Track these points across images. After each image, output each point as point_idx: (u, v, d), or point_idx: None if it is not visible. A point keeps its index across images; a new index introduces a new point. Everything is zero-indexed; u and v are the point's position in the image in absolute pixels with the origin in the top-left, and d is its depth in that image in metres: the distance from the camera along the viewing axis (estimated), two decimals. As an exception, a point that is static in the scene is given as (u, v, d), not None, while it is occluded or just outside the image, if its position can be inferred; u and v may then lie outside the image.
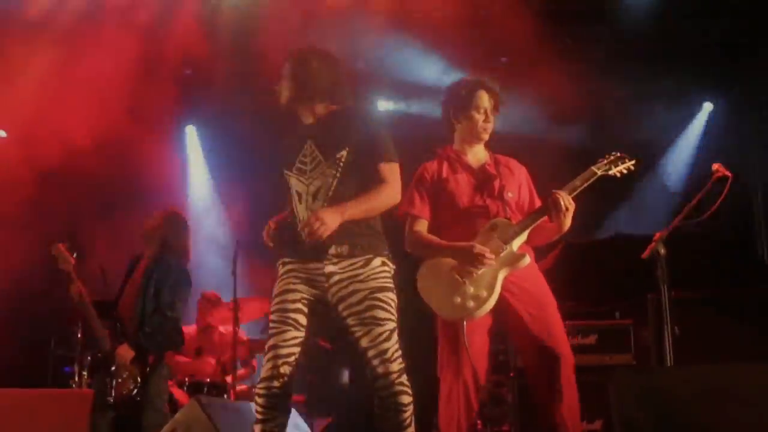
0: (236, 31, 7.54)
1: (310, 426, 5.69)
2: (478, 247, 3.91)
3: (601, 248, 6.50)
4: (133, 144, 7.55)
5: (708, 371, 3.56)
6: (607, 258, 6.46)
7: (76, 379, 6.25)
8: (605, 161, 4.18)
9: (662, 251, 4.06)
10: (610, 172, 4.16)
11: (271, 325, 3.55)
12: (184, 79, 8.11)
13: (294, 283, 3.58)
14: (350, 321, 3.54)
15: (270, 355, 3.48)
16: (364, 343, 3.50)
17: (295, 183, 3.67)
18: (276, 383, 3.45)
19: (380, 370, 3.47)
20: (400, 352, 3.52)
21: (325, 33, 6.87)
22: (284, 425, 3.52)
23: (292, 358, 3.49)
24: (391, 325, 3.53)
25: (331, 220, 3.44)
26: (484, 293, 3.90)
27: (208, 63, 7.82)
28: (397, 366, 3.48)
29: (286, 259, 3.66)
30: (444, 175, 4.19)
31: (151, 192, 7.71)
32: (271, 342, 3.51)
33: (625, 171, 4.19)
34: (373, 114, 3.76)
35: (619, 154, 4.21)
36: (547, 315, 4.02)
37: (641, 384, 3.45)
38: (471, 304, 3.89)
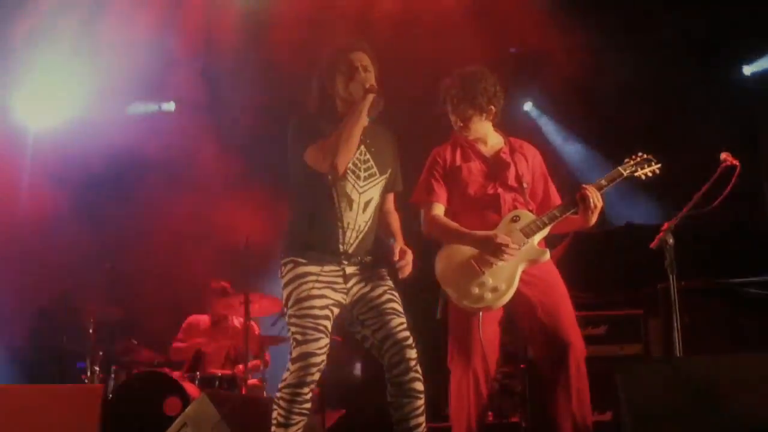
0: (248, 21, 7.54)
1: (321, 418, 5.70)
2: (501, 237, 3.87)
3: (612, 238, 6.48)
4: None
5: (717, 361, 3.55)
6: (617, 248, 6.44)
7: (88, 374, 6.29)
8: (631, 162, 4.16)
9: (671, 241, 4.04)
10: (636, 174, 4.15)
11: (299, 330, 3.48)
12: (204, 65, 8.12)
13: (319, 288, 3.54)
14: (370, 314, 3.58)
15: (302, 363, 3.43)
16: (383, 332, 3.54)
17: (348, 186, 3.60)
18: (305, 390, 3.44)
19: (399, 357, 3.51)
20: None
21: (333, 27, 6.86)
22: (302, 426, 3.52)
23: (322, 366, 3.49)
24: (405, 318, 3.59)
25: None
26: (503, 286, 3.88)
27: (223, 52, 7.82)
28: (414, 353, 3.53)
29: (300, 260, 3.58)
30: (457, 162, 4.16)
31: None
32: (303, 349, 3.44)
33: (650, 174, 4.18)
34: None
35: (645, 156, 4.20)
36: (558, 304, 4.00)
37: (650, 374, 3.45)
38: (489, 295, 3.88)
